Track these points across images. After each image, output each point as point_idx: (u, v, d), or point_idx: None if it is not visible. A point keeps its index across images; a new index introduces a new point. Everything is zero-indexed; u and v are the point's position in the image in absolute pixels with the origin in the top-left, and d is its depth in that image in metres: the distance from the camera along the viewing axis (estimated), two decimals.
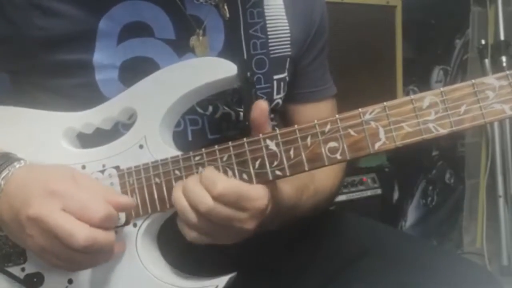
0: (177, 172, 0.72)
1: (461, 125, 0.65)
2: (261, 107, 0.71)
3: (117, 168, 0.74)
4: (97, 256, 0.69)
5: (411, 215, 2.34)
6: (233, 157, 0.70)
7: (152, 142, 0.74)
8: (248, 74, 0.84)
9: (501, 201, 2.39)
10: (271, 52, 0.89)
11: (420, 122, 0.65)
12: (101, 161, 0.75)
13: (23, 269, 0.76)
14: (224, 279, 0.71)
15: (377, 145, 0.67)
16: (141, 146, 0.74)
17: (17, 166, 0.70)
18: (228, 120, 0.84)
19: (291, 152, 0.68)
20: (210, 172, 0.69)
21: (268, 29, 0.89)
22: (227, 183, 0.68)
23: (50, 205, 0.64)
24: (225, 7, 0.83)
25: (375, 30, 2.05)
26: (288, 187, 0.80)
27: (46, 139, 0.77)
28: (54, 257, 0.67)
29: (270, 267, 0.94)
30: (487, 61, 2.33)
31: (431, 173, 2.41)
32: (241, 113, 0.84)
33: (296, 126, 0.69)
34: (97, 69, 0.78)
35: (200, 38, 0.82)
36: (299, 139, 0.68)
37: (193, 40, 0.82)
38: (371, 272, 0.88)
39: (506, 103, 0.64)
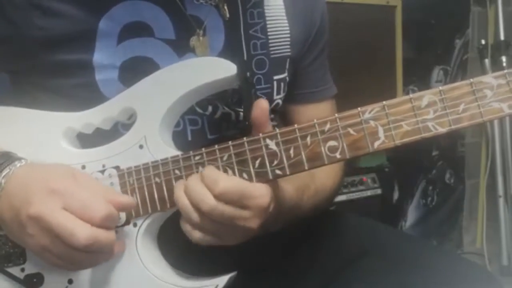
0: (177, 171, 0.72)
1: (460, 123, 0.65)
2: (261, 106, 0.71)
3: (117, 168, 0.75)
4: (98, 256, 0.69)
5: (411, 215, 2.34)
6: (233, 156, 0.70)
7: (152, 142, 0.74)
8: (248, 74, 0.84)
9: (501, 201, 2.39)
10: (271, 52, 0.89)
11: (419, 121, 0.66)
12: (101, 161, 0.75)
13: (22, 270, 0.76)
14: (224, 279, 0.71)
15: (376, 144, 0.67)
16: (141, 146, 0.74)
17: (18, 165, 0.70)
18: (227, 120, 0.84)
19: (291, 151, 0.69)
20: (211, 171, 0.69)
21: (268, 30, 0.89)
22: (228, 181, 0.68)
23: (51, 204, 0.64)
24: (225, 7, 0.83)
25: (375, 30, 2.05)
26: (290, 187, 0.81)
27: (46, 139, 0.77)
28: (55, 256, 0.67)
29: (270, 267, 0.94)
30: (487, 61, 2.33)
31: (431, 173, 2.41)
32: (241, 113, 0.84)
33: (295, 125, 0.69)
34: (97, 69, 0.78)
35: (201, 38, 0.82)
36: (299, 138, 0.69)
37: (193, 40, 0.82)
38: (371, 272, 0.88)
39: (504, 102, 0.64)
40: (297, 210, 0.84)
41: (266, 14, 0.89)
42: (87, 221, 0.64)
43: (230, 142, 0.71)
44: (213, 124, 0.84)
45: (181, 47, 0.81)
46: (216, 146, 0.71)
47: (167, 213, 0.74)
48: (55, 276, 0.74)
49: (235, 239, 0.72)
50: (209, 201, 0.67)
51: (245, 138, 0.70)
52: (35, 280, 0.75)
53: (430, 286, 0.82)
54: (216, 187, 0.67)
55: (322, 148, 0.68)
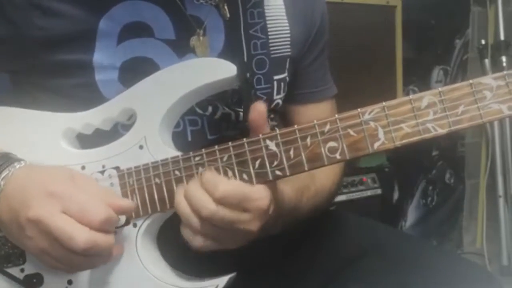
0: (177, 172, 0.72)
1: (459, 125, 0.65)
2: (259, 109, 0.70)
3: (117, 168, 0.74)
4: (96, 259, 0.68)
5: (411, 215, 2.34)
6: (233, 157, 0.70)
7: (152, 142, 0.74)
8: (248, 74, 0.84)
9: (501, 201, 2.39)
10: (272, 52, 0.89)
11: (419, 122, 0.66)
12: (100, 162, 0.75)
13: (22, 270, 0.76)
14: (224, 279, 0.71)
15: (376, 145, 0.67)
16: (141, 147, 0.74)
17: (17, 166, 0.70)
18: (227, 121, 0.84)
19: (291, 152, 0.69)
20: (210, 175, 0.69)
21: (269, 30, 0.89)
22: (228, 185, 0.68)
23: (50, 207, 0.64)
24: (225, 7, 0.83)
25: (375, 30, 2.05)
26: (289, 189, 0.81)
27: (46, 139, 0.77)
28: (53, 259, 0.67)
29: (270, 267, 0.94)
30: (487, 61, 2.33)
31: (431, 173, 2.41)
32: (241, 114, 0.84)
33: (295, 126, 0.69)
34: (97, 70, 0.78)
35: (201, 38, 0.82)
36: (298, 139, 0.68)
37: (193, 40, 0.82)
38: (371, 272, 0.88)
39: (503, 103, 0.64)
40: (296, 211, 0.84)
41: (266, 14, 0.89)
42: (85, 224, 0.64)
43: (230, 143, 0.70)
44: (213, 125, 0.84)
45: (181, 47, 0.81)
46: (216, 147, 0.71)
47: (167, 213, 0.74)
48: (54, 276, 0.74)
49: (235, 242, 0.71)
50: (209, 206, 0.66)
51: (245, 139, 0.70)
52: (34, 280, 0.75)
53: (430, 286, 0.82)
54: (216, 191, 0.66)
55: (322, 149, 0.68)
